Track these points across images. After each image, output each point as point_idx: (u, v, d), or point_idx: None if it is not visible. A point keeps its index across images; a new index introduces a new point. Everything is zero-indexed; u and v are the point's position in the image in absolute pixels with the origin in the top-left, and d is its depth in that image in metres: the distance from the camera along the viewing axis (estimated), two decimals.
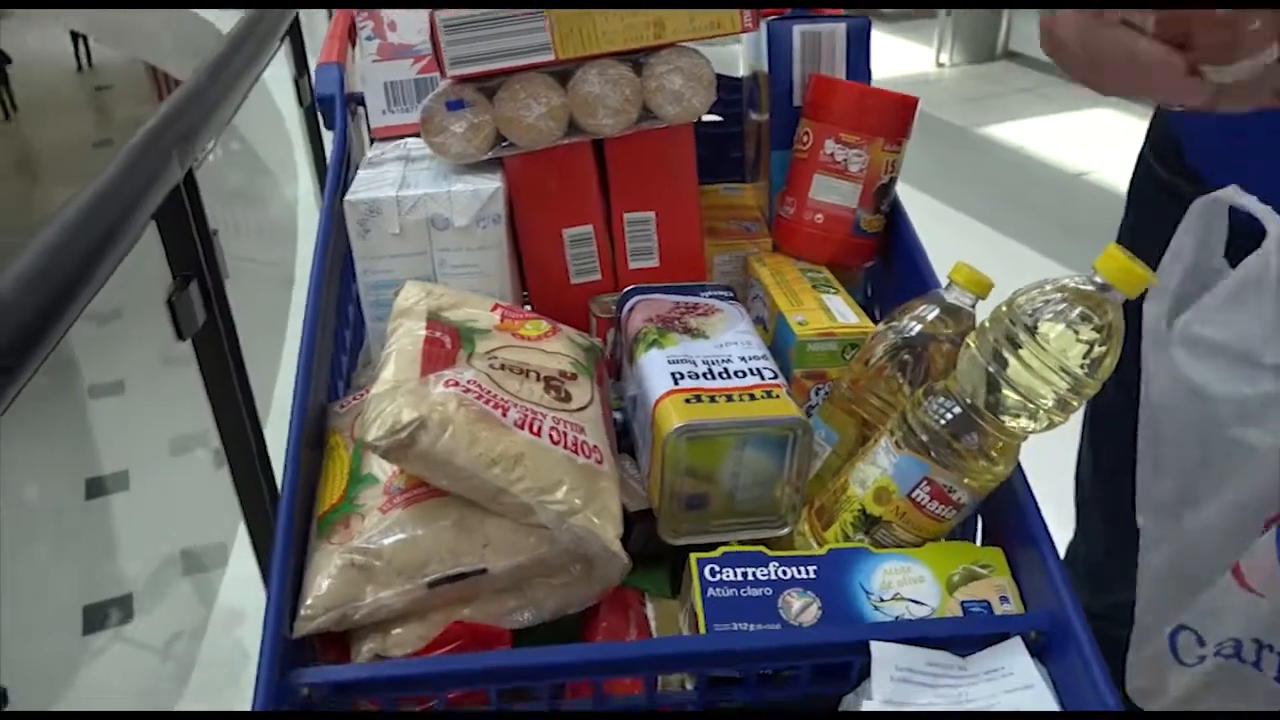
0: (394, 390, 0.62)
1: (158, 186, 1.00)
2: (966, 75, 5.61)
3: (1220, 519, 0.71)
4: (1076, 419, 0.88)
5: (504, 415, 0.62)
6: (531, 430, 0.63)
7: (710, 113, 1.13)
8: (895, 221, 0.90)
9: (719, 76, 0.82)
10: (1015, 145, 4.45)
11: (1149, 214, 0.89)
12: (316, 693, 0.57)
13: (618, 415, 0.80)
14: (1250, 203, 0.65)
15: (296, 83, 1.87)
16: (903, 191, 0.90)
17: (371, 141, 0.97)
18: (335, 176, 0.87)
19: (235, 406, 1.12)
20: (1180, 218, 0.70)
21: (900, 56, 5.84)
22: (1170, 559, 0.78)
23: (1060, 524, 0.85)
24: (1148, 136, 0.90)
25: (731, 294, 0.82)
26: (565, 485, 0.61)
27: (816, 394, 0.77)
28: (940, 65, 5.76)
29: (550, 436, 0.63)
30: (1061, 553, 0.84)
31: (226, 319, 1.13)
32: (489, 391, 0.64)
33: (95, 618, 2.62)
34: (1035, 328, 0.58)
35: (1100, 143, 4.26)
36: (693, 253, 0.88)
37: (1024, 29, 5.55)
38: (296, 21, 1.79)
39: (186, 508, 2.91)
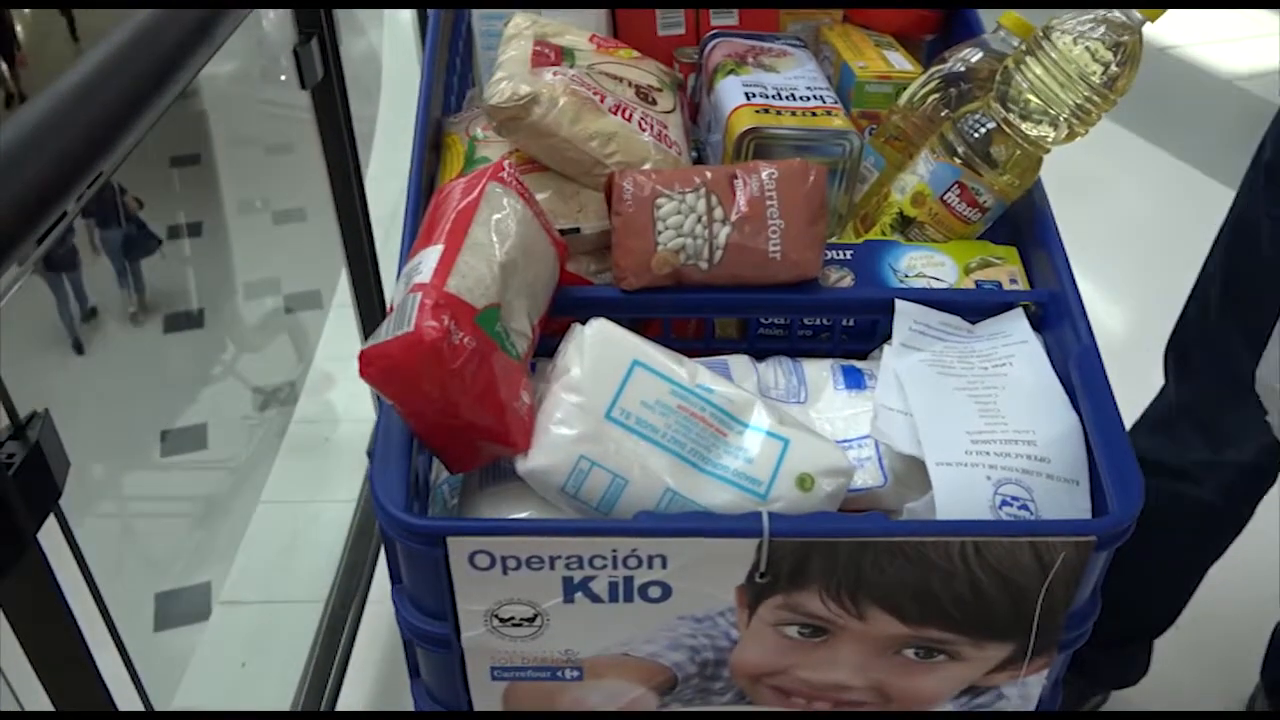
0: (510, 75, 0.73)
1: None
2: None
3: None
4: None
5: (602, 101, 0.74)
6: (624, 116, 0.74)
7: None
8: None
9: None
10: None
11: None
12: None
13: (692, 154, 0.91)
14: None
15: None
16: None
17: None
18: None
19: (343, 154, 1.25)
20: None
21: None
22: None
23: None
24: None
25: (802, 43, 0.91)
26: (650, 163, 0.73)
27: (870, 133, 0.87)
28: None
29: (640, 125, 0.75)
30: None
31: (340, 77, 1.25)
32: (589, 83, 0.75)
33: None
34: (1060, 41, 0.67)
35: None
36: (769, 13, 0.97)
37: None
38: None
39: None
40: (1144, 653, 1.31)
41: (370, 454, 1.74)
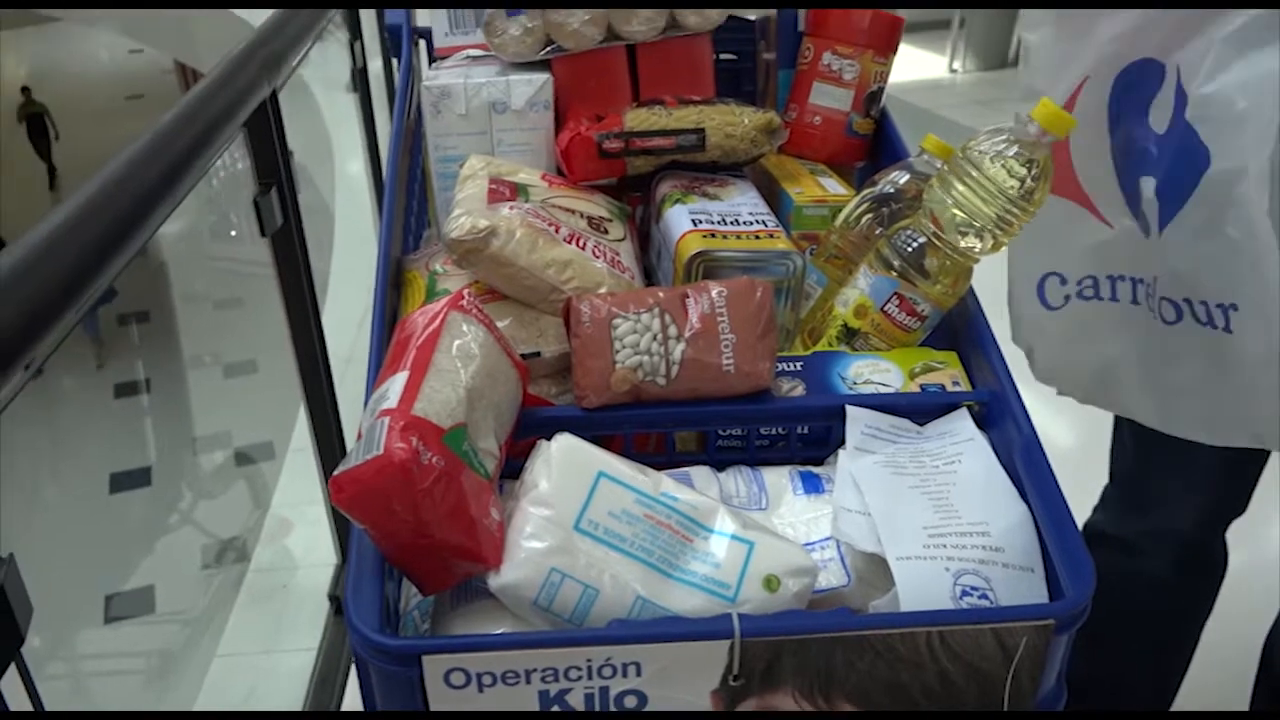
0: (468, 211, 0.77)
1: (249, 98, 1.16)
2: (978, 81, 5.78)
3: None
4: None
5: (556, 232, 0.78)
6: (578, 245, 0.78)
7: (726, 51, 1.29)
8: (884, 127, 1.05)
9: (734, 19, 0.98)
10: None
11: None
12: None
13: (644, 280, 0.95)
14: None
15: (351, 45, 2.04)
16: None
17: (433, 60, 1.13)
18: (404, 81, 1.04)
19: (302, 298, 1.28)
20: None
21: (915, 64, 6.01)
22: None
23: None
24: None
25: (742, 173, 0.97)
26: (604, 287, 0.76)
27: (811, 252, 0.92)
28: (953, 71, 5.93)
29: (593, 252, 0.78)
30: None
31: (299, 225, 1.29)
32: (544, 215, 0.79)
33: None
34: (980, 161, 0.73)
35: None
36: None
37: None
38: None
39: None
40: None
41: (332, 597, 1.71)
